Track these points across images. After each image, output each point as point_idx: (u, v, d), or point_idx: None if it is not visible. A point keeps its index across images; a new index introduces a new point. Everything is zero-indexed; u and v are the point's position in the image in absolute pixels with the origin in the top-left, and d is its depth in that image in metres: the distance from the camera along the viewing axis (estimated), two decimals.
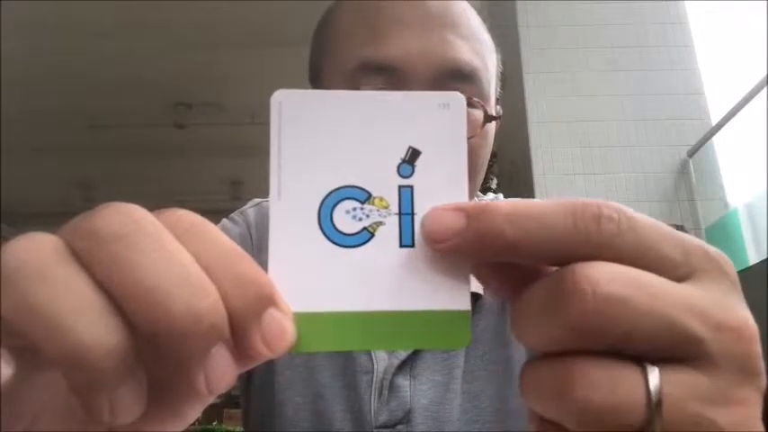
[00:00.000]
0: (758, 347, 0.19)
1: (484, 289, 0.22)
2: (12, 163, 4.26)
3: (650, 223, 0.19)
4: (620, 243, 0.18)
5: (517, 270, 0.21)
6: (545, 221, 0.19)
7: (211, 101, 4.05)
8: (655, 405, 0.17)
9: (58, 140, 4.40)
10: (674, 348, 0.18)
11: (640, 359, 0.18)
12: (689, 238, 0.19)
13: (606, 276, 0.18)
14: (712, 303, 0.18)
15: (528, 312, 0.20)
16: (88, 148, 4.56)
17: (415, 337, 0.21)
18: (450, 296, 0.21)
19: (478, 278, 0.22)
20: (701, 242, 0.20)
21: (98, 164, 4.79)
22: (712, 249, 0.20)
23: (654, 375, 0.17)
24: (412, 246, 0.21)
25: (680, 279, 0.19)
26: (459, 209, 0.20)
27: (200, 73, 3.76)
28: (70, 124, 4.21)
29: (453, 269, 0.21)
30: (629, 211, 0.19)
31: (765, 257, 1.55)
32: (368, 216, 0.21)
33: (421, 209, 0.21)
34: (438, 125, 0.22)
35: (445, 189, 0.21)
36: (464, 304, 0.21)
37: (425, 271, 0.21)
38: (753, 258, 1.97)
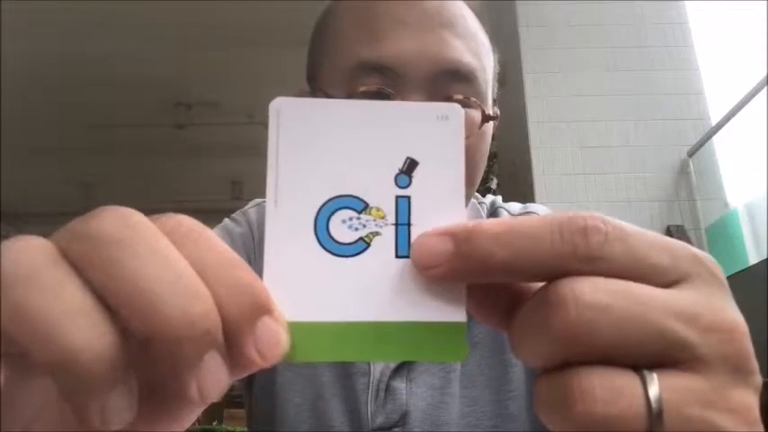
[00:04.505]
0: (749, 346, 0.19)
1: (473, 316, 0.22)
2: (12, 163, 4.26)
3: (637, 231, 0.19)
4: (609, 252, 0.18)
5: (506, 294, 0.21)
6: (533, 239, 0.19)
7: (211, 101, 4.05)
8: (656, 412, 0.17)
9: (57, 140, 4.40)
10: (664, 354, 0.18)
11: (637, 367, 0.18)
12: (676, 242, 0.20)
13: (589, 287, 0.18)
14: (701, 306, 0.18)
15: (519, 330, 0.20)
16: (88, 148, 4.56)
17: (409, 348, 0.20)
18: (446, 308, 0.20)
19: (469, 307, 0.21)
20: (689, 246, 0.20)
21: (98, 164, 4.79)
22: (700, 252, 0.20)
23: (653, 382, 0.17)
24: (408, 256, 0.21)
25: (670, 284, 0.19)
26: (445, 233, 0.20)
27: (200, 73, 3.77)
28: (70, 124, 4.21)
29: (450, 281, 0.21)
30: (616, 220, 0.19)
31: (765, 257, 1.55)
32: (364, 226, 0.21)
33: (418, 219, 0.21)
34: (436, 136, 0.21)
35: (442, 200, 0.21)
36: (460, 316, 0.20)
37: (421, 282, 0.20)
38: (753, 258, 1.96)
